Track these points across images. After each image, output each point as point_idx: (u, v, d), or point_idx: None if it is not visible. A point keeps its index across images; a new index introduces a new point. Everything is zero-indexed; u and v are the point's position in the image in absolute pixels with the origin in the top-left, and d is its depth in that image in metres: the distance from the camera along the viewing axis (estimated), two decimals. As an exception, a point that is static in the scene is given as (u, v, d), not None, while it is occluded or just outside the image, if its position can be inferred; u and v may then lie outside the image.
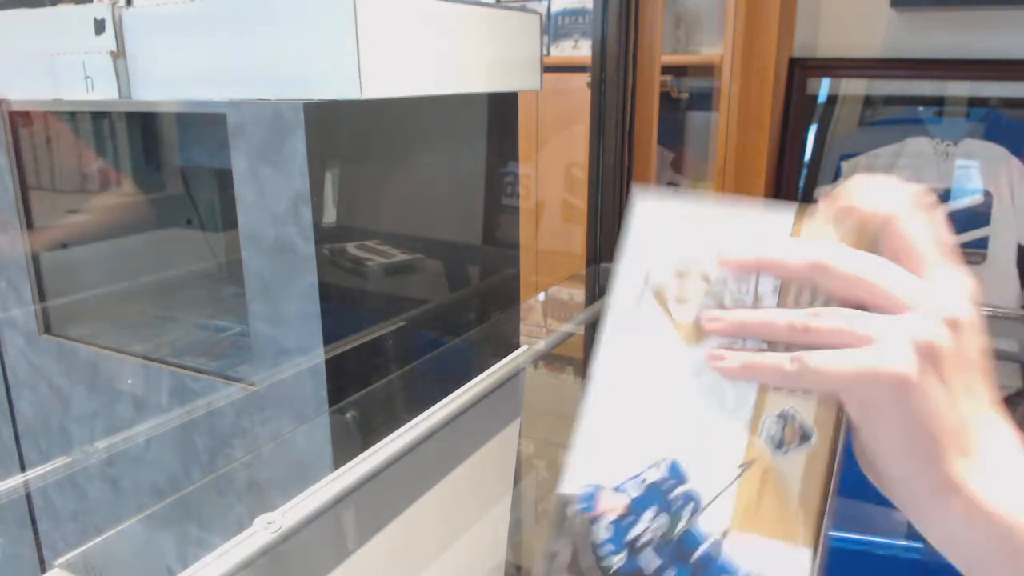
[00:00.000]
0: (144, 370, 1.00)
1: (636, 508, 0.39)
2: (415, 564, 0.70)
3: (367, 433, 0.76)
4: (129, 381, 1.02)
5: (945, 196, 1.68)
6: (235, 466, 0.93)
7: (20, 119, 1.07)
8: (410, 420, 0.64)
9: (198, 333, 1.13)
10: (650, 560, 0.38)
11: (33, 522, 1.22)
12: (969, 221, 1.67)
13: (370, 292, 0.90)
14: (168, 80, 0.86)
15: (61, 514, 1.18)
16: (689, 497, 0.39)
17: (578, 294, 1.29)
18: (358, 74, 0.72)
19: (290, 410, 0.86)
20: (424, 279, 1.00)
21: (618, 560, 0.38)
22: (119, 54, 0.87)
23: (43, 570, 1.28)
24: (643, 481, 0.40)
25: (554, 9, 2.02)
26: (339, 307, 0.83)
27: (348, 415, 0.82)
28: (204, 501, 0.95)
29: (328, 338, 0.81)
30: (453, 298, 1.05)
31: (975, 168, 1.65)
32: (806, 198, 1.81)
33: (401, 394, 0.89)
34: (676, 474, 0.40)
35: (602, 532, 0.39)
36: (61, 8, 0.93)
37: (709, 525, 0.38)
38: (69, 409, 1.11)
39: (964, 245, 1.68)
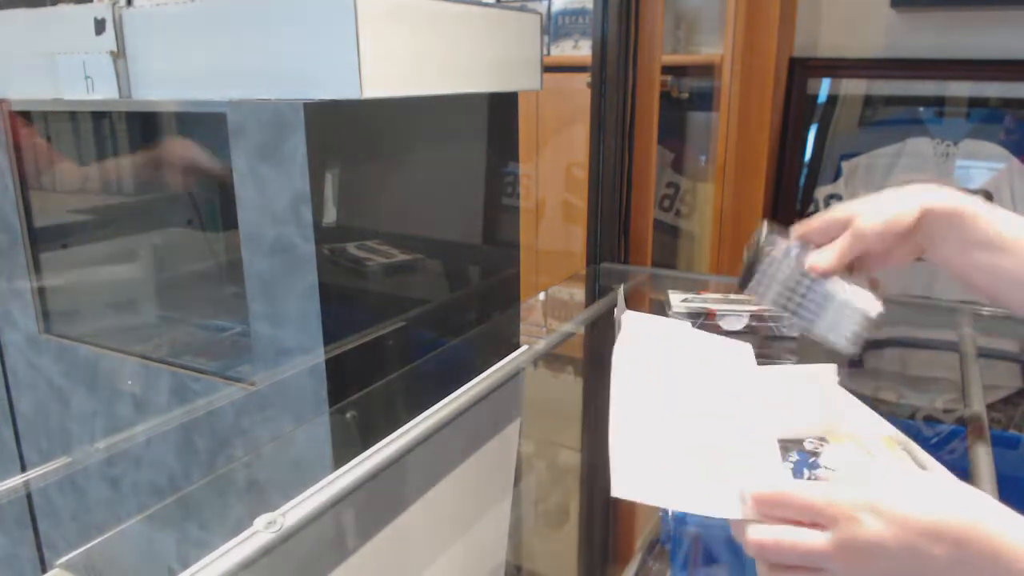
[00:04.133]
0: (144, 370, 1.00)
1: None
2: (415, 564, 0.70)
3: (367, 433, 0.76)
4: (129, 381, 1.02)
5: (945, 196, 1.68)
6: (235, 466, 0.93)
7: (20, 119, 1.07)
8: (410, 420, 0.64)
9: (198, 333, 1.13)
10: None
11: (33, 522, 1.22)
12: (969, 221, 1.66)
13: (370, 292, 0.90)
14: (168, 80, 0.86)
15: (61, 514, 1.18)
16: None
17: (578, 294, 1.29)
18: (358, 74, 0.72)
19: (290, 410, 0.86)
20: (424, 279, 1.00)
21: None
22: (119, 54, 0.87)
23: (44, 570, 1.28)
24: None
25: (554, 9, 2.01)
26: (339, 307, 0.83)
27: (348, 415, 0.82)
28: (204, 501, 0.95)
29: (328, 338, 0.81)
30: (453, 298, 1.05)
31: (975, 168, 1.65)
32: (806, 198, 1.81)
33: (401, 394, 0.89)
34: None
35: None
36: (61, 8, 0.93)
37: None
38: (69, 409, 1.11)
39: (964, 245, 1.67)
